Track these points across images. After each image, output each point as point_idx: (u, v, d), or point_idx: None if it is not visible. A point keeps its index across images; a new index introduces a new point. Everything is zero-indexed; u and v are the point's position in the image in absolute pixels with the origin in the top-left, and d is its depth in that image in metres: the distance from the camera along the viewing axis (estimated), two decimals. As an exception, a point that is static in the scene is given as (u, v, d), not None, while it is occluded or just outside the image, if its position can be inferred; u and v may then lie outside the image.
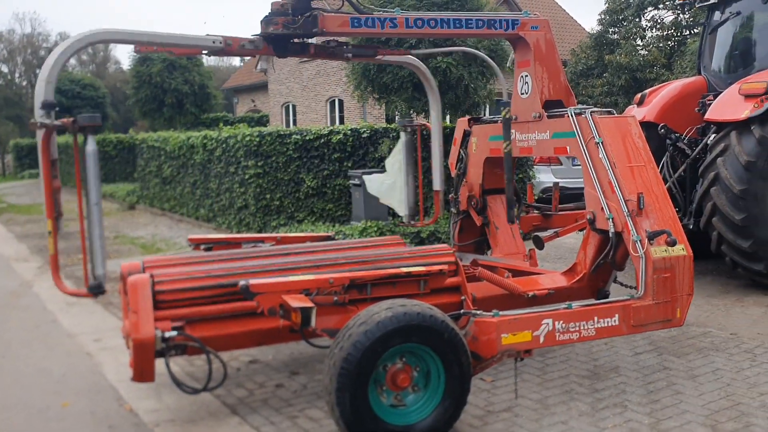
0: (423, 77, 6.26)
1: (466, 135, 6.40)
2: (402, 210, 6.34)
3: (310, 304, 3.70)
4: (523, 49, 5.51)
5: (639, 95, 8.20)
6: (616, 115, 4.97)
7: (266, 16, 4.74)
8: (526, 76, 5.50)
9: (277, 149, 10.81)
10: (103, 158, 21.06)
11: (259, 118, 30.42)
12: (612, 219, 4.65)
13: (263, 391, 4.72)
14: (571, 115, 4.96)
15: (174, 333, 3.96)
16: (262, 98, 32.19)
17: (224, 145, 11.94)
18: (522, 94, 5.57)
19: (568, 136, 5.02)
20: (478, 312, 4.16)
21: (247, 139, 10.96)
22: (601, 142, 4.73)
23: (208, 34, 4.62)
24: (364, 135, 10.62)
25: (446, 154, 6.68)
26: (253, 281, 3.82)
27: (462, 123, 6.47)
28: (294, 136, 10.74)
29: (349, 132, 10.68)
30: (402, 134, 6.31)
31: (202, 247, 5.53)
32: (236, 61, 59.74)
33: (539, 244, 6.39)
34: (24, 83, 62.36)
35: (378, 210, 9.78)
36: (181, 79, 18.07)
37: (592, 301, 4.62)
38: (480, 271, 4.85)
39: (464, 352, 3.81)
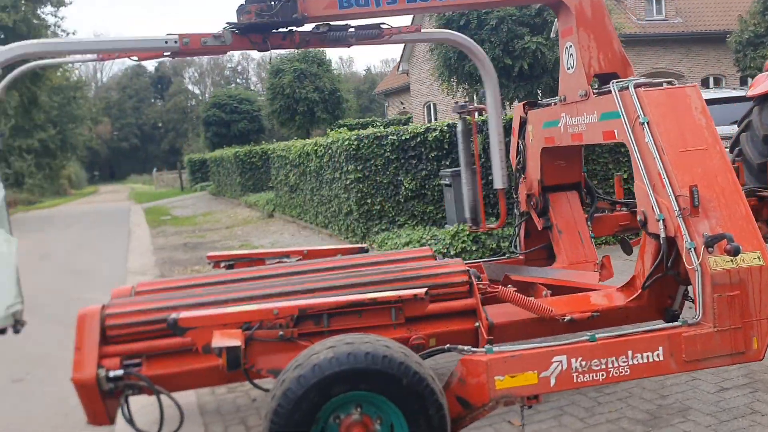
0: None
1: (524, 123, 5.46)
2: (9, 306, 3.47)
3: (236, 342, 3.10)
4: (564, 15, 4.53)
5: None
6: (674, 86, 3.87)
7: (241, 5, 4.20)
8: (570, 46, 4.51)
9: (374, 152, 10.30)
10: (250, 169, 21.79)
11: (406, 120, 30.21)
12: (663, 220, 3.59)
13: None
14: (614, 90, 3.94)
15: (120, 372, 3.53)
16: (410, 100, 31.96)
17: (329, 151, 11.64)
18: (568, 69, 4.60)
19: (615, 117, 3.99)
20: (465, 347, 3.33)
21: (347, 143, 10.55)
22: (647, 122, 3.68)
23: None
24: (463, 130, 9.77)
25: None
26: (183, 315, 3.29)
27: (518, 110, 5.53)
28: (390, 137, 10.16)
29: (446, 128, 9.91)
30: None
31: (223, 264, 5.11)
32: (390, 65, 60.24)
33: (627, 248, 5.33)
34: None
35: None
36: (311, 87, 18.14)
37: (631, 328, 3.58)
38: (501, 290, 3.97)
39: (434, 402, 3.02)
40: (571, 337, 3.37)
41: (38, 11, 25.32)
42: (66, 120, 53.08)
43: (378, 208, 10.38)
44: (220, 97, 29.92)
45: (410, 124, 27.74)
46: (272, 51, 4.53)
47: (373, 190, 10.38)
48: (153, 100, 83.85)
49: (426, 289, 3.45)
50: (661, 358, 3.31)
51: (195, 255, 12.82)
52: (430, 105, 28.06)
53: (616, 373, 3.29)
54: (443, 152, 9.95)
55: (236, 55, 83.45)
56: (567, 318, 3.87)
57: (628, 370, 3.29)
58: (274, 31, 4.26)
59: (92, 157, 77.59)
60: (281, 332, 3.29)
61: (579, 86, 4.43)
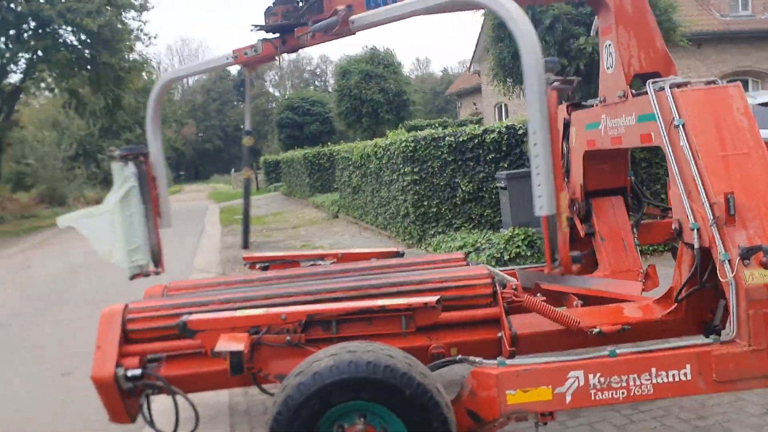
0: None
1: (567, 125, 5.25)
2: (134, 260, 4.39)
3: (240, 347, 3.07)
4: (604, 12, 4.33)
5: None
6: (715, 85, 3.62)
7: (269, 7, 4.20)
8: (610, 45, 4.30)
9: (431, 153, 10.19)
10: (318, 170, 22.02)
11: (478, 121, 29.89)
12: (697, 229, 3.37)
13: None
14: (650, 90, 3.72)
15: (138, 371, 3.57)
16: (482, 100, 31.59)
17: (387, 153, 11.60)
18: (608, 68, 4.38)
19: (652, 119, 3.77)
20: (477, 359, 3.21)
21: (403, 144, 10.48)
22: (682, 125, 3.46)
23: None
24: (521, 131, 9.56)
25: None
26: (193, 317, 3.30)
27: (561, 111, 5.32)
28: (447, 138, 10.02)
29: (503, 129, 9.69)
30: (130, 164, 4.37)
31: (258, 266, 5.15)
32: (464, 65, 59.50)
33: (679, 256, 5.05)
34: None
35: (528, 214, 8.67)
36: (376, 89, 18.15)
37: (658, 343, 3.35)
38: (526, 299, 3.81)
39: (438, 416, 2.92)
40: (590, 352, 3.21)
41: (122, 16, 26.32)
42: (152, 121, 54.98)
43: (434, 210, 10.27)
44: (293, 99, 30.37)
45: (466, 125, 27.46)
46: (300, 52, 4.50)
47: (429, 192, 10.27)
48: (236, 103, 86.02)
49: (438, 297, 3.34)
50: (689, 377, 3.10)
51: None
52: (501, 106, 27.66)
53: (638, 391, 3.10)
54: (501, 154, 9.75)
55: (315, 57, 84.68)
56: (595, 330, 3.68)
57: (652, 388, 3.10)
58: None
59: (178, 158, 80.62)
60: (288, 337, 3.25)
61: (618, 87, 4.22)
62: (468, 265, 4.49)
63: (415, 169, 10.29)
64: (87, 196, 44.34)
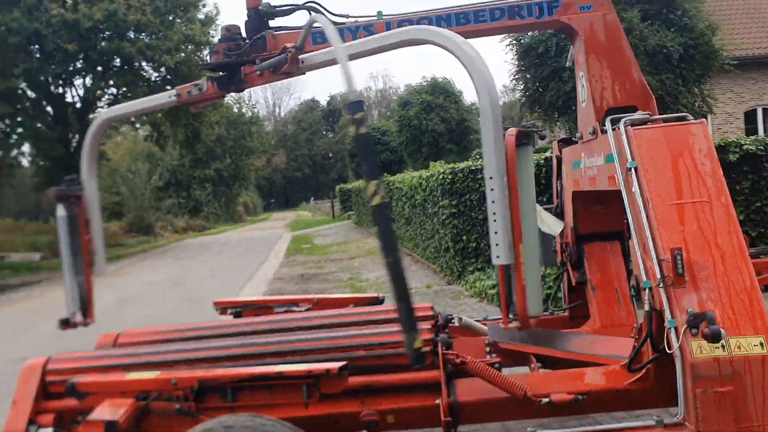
0: (446, 50, 3.32)
1: (560, 162, 4.81)
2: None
3: (114, 417, 2.83)
4: (577, 41, 3.90)
5: None
6: (675, 123, 3.15)
7: (213, 45, 4.02)
8: (582, 76, 3.88)
9: (469, 186, 9.81)
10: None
11: (546, 148, 29.08)
12: (649, 289, 2.90)
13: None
14: (608, 128, 3.29)
15: (50, 430, 3.39)
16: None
17: (429, 185, 11.28)
18: (582, 102, 3.95)
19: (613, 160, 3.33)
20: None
21: (441, 177, 10.15)
22: (635, 168, 3.02)
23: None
24: (558, 163, 9.02)
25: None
26: (82, 379, 3.09)
27: (555, 148, 4.90)
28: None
29: (542, 161, 9.19)
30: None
31: (229, 311, 4.93)
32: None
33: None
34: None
35: (545, 252, 8.10)
36: (437, 119, 17.87)
37: (610, 424, 2.88)
38: (470, 361, 3.40)
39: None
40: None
41: (200, 53, 27.22)
42: (240, 152, 57.04)
43: (474, 245, 9.85)
44: (365, 129, 30.46)
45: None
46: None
47: (468, 226, 9.87)
48: (324, 132, 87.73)
49: (343, 363, 2.99)
50: (624, 468, 2.63)
51: (304, 287, 12.91)
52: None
53: (563, 481, 2.66)
54: (540, 188, 9.23)
55: (401, 86, 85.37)
56: (545, 400, 3.23)
57: (578, 480, 2.65)
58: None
59: (269, 186, 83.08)
60: (178, 405, 2.99)
61: (589, 123, 3.79)
62: (437, 316, 4.12)
63: (453, 202, 9.93)
64: (175, 224, 46.09)
